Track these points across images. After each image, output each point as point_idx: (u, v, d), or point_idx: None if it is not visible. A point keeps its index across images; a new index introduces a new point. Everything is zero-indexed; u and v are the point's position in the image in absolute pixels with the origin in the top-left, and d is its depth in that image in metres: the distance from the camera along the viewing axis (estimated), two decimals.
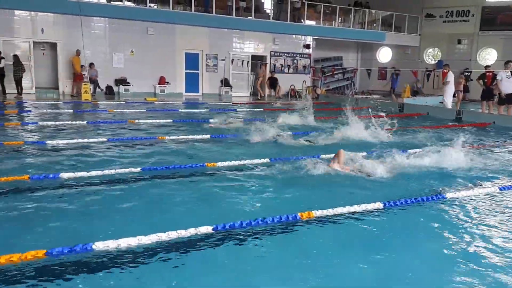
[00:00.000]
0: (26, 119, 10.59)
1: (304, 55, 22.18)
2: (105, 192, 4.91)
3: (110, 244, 3.38)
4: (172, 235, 3.59)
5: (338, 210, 4.36)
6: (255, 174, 5.79)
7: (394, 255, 3.54)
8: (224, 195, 4.89)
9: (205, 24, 18.97)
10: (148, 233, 3.55)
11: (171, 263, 3.26)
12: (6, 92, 15.11)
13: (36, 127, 9.28)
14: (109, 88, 17.67)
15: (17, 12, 15.84)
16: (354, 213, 4.37)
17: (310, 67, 22.54)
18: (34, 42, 16.33)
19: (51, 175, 5.38)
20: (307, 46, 22.12)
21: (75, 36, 16.65)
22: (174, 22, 18.28)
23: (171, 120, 10.93)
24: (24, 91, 15.49)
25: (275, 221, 4.01)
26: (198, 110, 14.02)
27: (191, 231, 3.66)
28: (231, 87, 20.34)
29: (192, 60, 19.75)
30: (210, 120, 10.79)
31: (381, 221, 4.26)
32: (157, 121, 10.69)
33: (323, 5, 22.22)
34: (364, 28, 23.50)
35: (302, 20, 21.65)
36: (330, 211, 4.30)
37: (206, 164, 6.16)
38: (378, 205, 4.58)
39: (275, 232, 3.88)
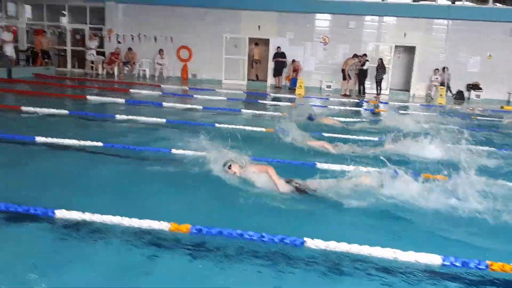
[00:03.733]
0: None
1: None
2: None
3: None
4: None
5: None
6: None
7: None
8: None
9: None
10: None
11: None
12: (366, 92, 16.65)
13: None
14: (459, 93, 16.94)
15: (385, 18, 17.23)
16: None
17: None
18: (395, 46, 17.43)
19: None
20: None
21: (432, 39, 16.93)
22: None
23: None
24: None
25: None
26: None
27: None
28: None
29: None
30: None
31: None
32: None
33: None
34: None
35: None
36: None
37: None
38: None
39: None
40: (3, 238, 3.27)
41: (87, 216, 3.52)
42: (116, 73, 17.93)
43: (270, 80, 18.58)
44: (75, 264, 2.94)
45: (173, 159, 5.48)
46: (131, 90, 13.20)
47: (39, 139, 5.95)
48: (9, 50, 15.35)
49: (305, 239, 3.32)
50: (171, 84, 16.08)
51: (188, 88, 15.23)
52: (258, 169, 4.51)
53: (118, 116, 8.24)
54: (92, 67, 17.97)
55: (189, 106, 10.67)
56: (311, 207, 4.10)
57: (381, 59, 16.48)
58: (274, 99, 14.35)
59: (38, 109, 8.42)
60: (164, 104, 10.68)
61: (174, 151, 5.83)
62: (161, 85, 15.36)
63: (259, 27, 18.13)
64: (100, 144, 5.89)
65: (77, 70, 18.75)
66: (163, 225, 3.47)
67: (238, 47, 18.61)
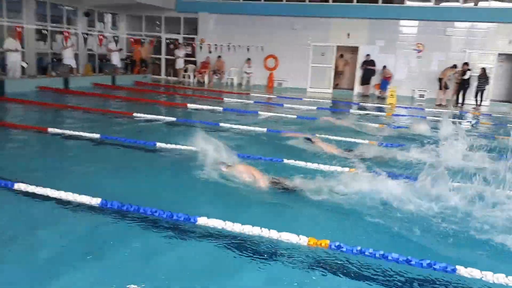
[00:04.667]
0: None
1: None
2: None
3: None
4: None
5: None
6: None
7: None
8: None
9: None
10: None
11: None
12: (465, 102, 15.60)
13: None
14: None
15: (487, 24, 16.12)
16: None
17: None
18: (499, 54, 16.25)
19: None
20: None
21: None
22: None
23: None
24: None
25: None
26: None
27: None
28: None
29: None
30: None
31: None
32: None
33: None
34: None
35: None
36: None
37: None
38: None
39: None
40: (145, 242, 3.43)
41: (228, 226, 3.59)
42: (206, 81, 18.57)
43: (357, 88, 18.19)
44: (220, 276, 3.00)
45: (292, 169, 5.45)
46: (224, 99, 13.55)
47: (160, 145, 6.26)
48: (115, 59, 16.53)
49: (457, 266, 3.09)
50: (259, 93, 16.29)
51: (276, 97, 15.34)
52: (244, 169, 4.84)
53: (222, 124, 8.46)
54: (184, 76, 18.78)
55: (283, 115, 10.64)
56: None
57: (483, 68, 15.34)
58: (366, 108, 13.95)
59: (148, 116, 8.92)
60: (260, 112, 10.81)
61: (286, 161, 5.83)
62: (250, 93, 15.63)
63: (348, 34, 17.83)
64: None
65: (170, 78, 19.71)
66: (301, 240, 3.44)
67: (324, 55, 18.45)
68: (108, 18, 19.57)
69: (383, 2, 17.20)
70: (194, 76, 18.78)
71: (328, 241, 3.39)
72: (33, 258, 3.05)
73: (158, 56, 20.40)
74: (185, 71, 18.84)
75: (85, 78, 15.08)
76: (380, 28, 17.34)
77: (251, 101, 13.49)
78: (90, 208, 3.92)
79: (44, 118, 8.65)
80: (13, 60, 12.32)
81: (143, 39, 19.09)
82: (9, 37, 12.49)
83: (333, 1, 17.89)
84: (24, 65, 12.84)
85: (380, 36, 17.48)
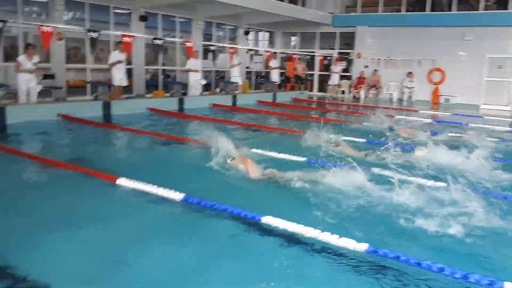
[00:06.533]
0: None
1: None
2: None
3: None
4: None
5: None
6: None
7: None
8: None
9: None
10: None
11: None
12: None
13: None
14: None
15: None
16: None
17: None
18: None
19: None
20: None
21: None
22: None
23: None
24: None
25: None
26: None
27: None
28: None
29: None
30: None
31: None
32: None
33: None
34: None
35: None
36: None
37: None
38: None
39: None
40: None
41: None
42: (362, 97, 17.74)
43: None
44: None
45: None
46: (396, 116, 12.52)
47: (375, 170, 5.64)
48: (274, 76, 16.70)
49: None
50: (427, 109, 14.87)
51: (451, 114, 13.75)
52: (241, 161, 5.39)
53: (418, 148, 7.47)
54: (337, 91, 18.21)
55: (492, 139, 8.99)
56: None
57: None
58: None
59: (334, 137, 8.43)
60: (451, 134, 9.49)
61: None
62: (419, 111, 14.32)
63: None
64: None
65: (323, 94, 19.33)
66: None
67: (503, 68, 16.23)
68: (265, 35, 20.09)
69: None
70: (349, 92, 18.08)
71: None
72: None
73: (311, 72, 20.24)
74: (339, 86, 18.27)
75: (249, 96, 15.41)
76: None
77: (428, 120, 12.24)
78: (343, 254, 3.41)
79: (237, 137, 8.58)
80: (194, 79, 13.08)
81: (300, 57, 19.09)
82: (190, 58, 13.30)
83: None
84: (203, 82, 13.56)
85: None
